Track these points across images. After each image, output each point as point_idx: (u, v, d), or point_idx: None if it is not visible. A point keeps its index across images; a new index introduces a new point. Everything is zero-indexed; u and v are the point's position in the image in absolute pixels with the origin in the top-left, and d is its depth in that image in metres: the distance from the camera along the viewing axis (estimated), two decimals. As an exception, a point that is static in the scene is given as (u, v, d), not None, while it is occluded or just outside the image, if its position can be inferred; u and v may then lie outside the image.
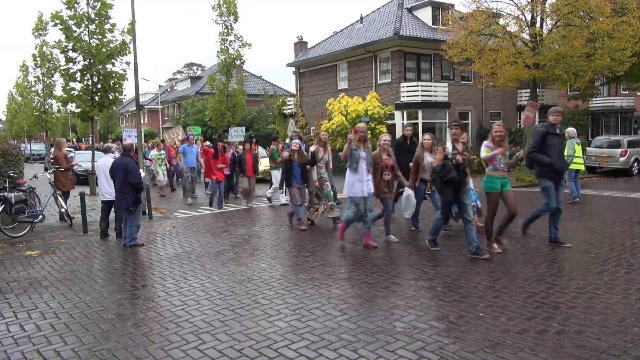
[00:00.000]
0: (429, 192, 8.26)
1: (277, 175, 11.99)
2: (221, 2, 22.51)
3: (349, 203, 7.55)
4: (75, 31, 13.93)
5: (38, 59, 28.74)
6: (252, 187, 12.74)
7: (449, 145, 6.79)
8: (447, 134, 7.02)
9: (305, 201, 9.32)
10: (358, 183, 7.27)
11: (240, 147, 17.63)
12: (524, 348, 3.88)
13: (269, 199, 13.23)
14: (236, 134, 19.31)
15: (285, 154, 9.33)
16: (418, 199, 8.04)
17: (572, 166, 11.63)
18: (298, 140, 9.48)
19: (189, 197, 13.86)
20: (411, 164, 8.39)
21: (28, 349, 4.15)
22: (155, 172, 16.43)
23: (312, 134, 27.24)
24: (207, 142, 17.54)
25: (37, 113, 32.06)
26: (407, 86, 23.03)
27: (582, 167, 11.91)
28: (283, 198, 12.39)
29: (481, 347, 3.91)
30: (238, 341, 4.17)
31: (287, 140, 14.65)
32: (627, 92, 31.09)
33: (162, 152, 16.60)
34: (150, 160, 17.77)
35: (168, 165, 17.36)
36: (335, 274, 6.14)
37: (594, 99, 26.67)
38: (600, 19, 16.94)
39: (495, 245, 6.97)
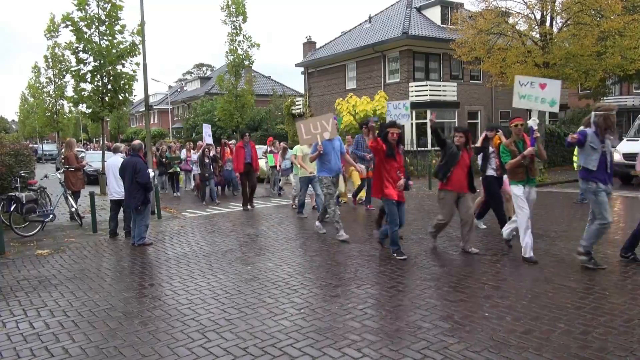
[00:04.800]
0: None
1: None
2: (230, 3, 22.60)
3: None
4: (85, 32, 14.10)
5: (50, 60, 29.04)
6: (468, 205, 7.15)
7: None
8: None
9: None
10: None
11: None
12: (528, 348, 3.86)
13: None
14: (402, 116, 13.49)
15: None
16: None
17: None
18: None
19: (338, 226, 8.18)
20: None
21: (37, 346, 4.22)
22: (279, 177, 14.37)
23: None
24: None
25: (49, 114, 32.44)
26: (415, 86, 22.96)
27: None
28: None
29: (486, 347, 3.91)
30: (243, 340, 4.20)
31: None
32: (639, 91, 30.73)
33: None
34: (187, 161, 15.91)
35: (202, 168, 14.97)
36: (341, 273, 6.15)
37: (605, 98, 26.41)
38: (611, 17, 16.76)
39: None
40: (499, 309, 4.73)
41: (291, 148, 14.73)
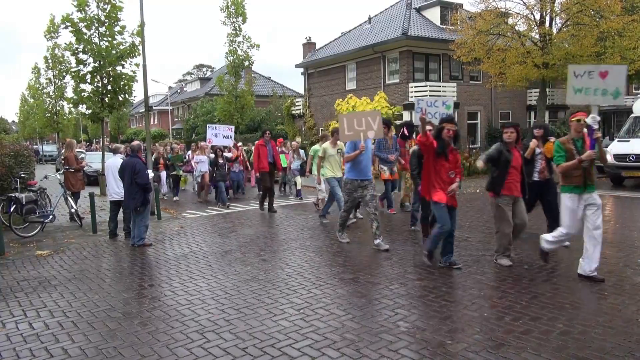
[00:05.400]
0: None
1: None
2: (229, 4, 22.63)
3: None
4: (85, 33, 14.11)
5: (50, 61, 29.10)
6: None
7: None
8: None
9: None
10: None
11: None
12: (527, 348, 3.87)
13: None
14: None
15: None
16: None
17: None
18: None
19: (340, 235, 8.14)
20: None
21: (36, 347, 4.22)
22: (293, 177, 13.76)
23: (319, 134, 27.28)
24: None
25: (49, 114, 32.49)
26: (415, 86, 22.98)
27: None
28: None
29: (484, 347, 3.91)
30: (242, 340, 4.21)
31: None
32: (639, 92, 30.74)
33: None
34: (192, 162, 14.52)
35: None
36: (340, 274, 6.16)
37: (605, 98, 26.40)
38: (611, 18, 16.81)
39: None
40: (498, 309, 4.73)
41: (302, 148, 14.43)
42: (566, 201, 5.54)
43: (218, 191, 13.30)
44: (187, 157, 15.91)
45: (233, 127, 14.50)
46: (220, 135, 13.76)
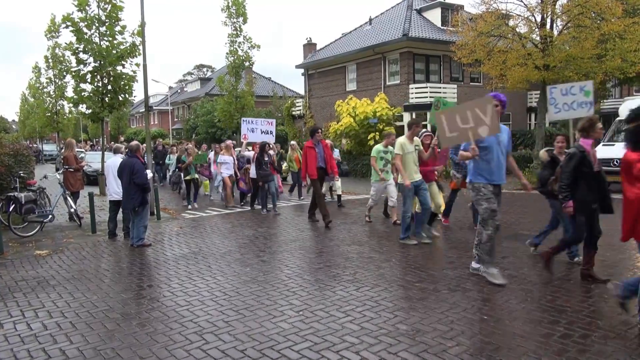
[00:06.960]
0: None
1: None
2: (230, 4, 22.63)
3: None
4: (86, 33, 14.12)
5: (50, 60, 29.10)
6: None
7: None
8: None
9: None
10: None
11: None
12: (527, 352, 3.85)
13: None
14: None
15: None
16: None
17: None
18: None
19: (487, 259, 5.77)
20: None
21: (34, 348, 4.20)
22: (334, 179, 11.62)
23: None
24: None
25: (49, 114, 32.49)
26: (416, 87, 22.99)
27: None
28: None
29: (484, 350, 3.89)
30: (241, 342, 4.19)
31: None
32: (639, 94, 30.73)
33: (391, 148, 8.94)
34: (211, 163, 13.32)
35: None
36: (340, 275, 6.14)
37: (605, 100, 26.47)
38: (612, 20, 16.77)
39: None
40: (498, 312, 4.71)
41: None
42: None
43: (263, 193, 11.65)
44: (208, 159, 14.03)
45: (274, 121, 12.74)
46: (258, 130, 12.25)
